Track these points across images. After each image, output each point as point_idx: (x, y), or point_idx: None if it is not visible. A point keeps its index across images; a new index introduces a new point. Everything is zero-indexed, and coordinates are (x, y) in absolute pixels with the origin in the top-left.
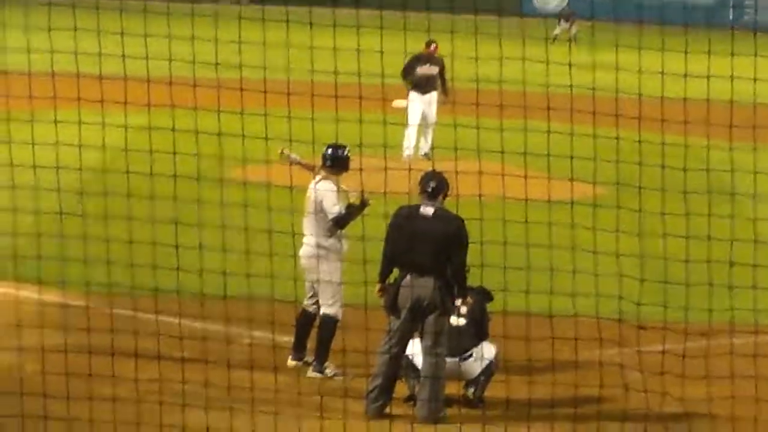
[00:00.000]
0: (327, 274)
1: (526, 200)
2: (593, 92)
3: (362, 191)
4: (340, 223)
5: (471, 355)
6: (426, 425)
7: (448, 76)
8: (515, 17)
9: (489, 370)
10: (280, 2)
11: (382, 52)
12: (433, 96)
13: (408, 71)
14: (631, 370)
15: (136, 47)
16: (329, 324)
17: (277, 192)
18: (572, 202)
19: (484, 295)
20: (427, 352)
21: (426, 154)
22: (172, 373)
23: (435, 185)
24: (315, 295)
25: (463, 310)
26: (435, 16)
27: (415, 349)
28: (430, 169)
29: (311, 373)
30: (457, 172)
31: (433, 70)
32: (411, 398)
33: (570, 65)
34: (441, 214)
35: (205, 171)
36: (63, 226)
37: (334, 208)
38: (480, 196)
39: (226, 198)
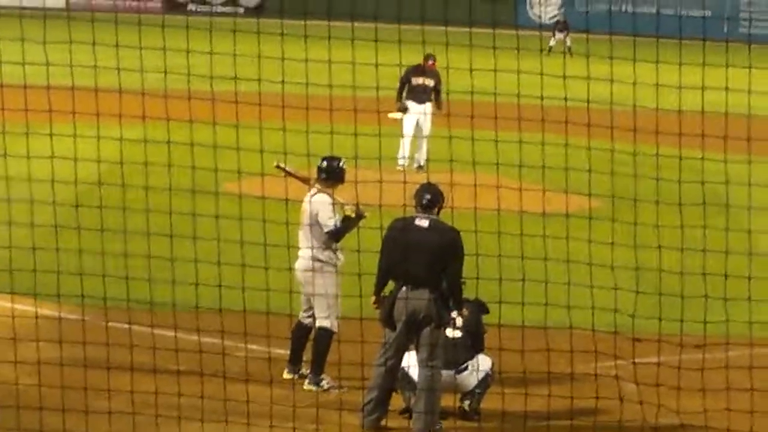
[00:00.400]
0: (322, 287)
1: (521, 212)
2: (588, 104)
3: (357, 204)
4: (335, 235)
5: (467, 368)
6: None
7: (443, 89)
8: (510, 29)
9: (485, 383)
10: (275, 15)
11: (377, 65)
12: (428, 107)
13: (404, 81)
14: (626, 382)
15: (132, 60)
16: (325, 336)
17: (272, 205)
18: (567, 215)
19: (479, 308)
20: (422, 364)
21: (420, 166)
22: (167, 385)
23: (430, 197)
24: (311, 307)
25: (459, 322)
26: (430, 28)
27: (410, 362)
28: (425, 181)
29: (307, 385)
30: (452, 185)
31: (429, 82)
32: (407, 411)
33: (564, 77)
34: (436, 226)
35: (200, 184)
36: (58, 239)
37: (329, 220)
38: (475, 208)
39: (221, 211)
